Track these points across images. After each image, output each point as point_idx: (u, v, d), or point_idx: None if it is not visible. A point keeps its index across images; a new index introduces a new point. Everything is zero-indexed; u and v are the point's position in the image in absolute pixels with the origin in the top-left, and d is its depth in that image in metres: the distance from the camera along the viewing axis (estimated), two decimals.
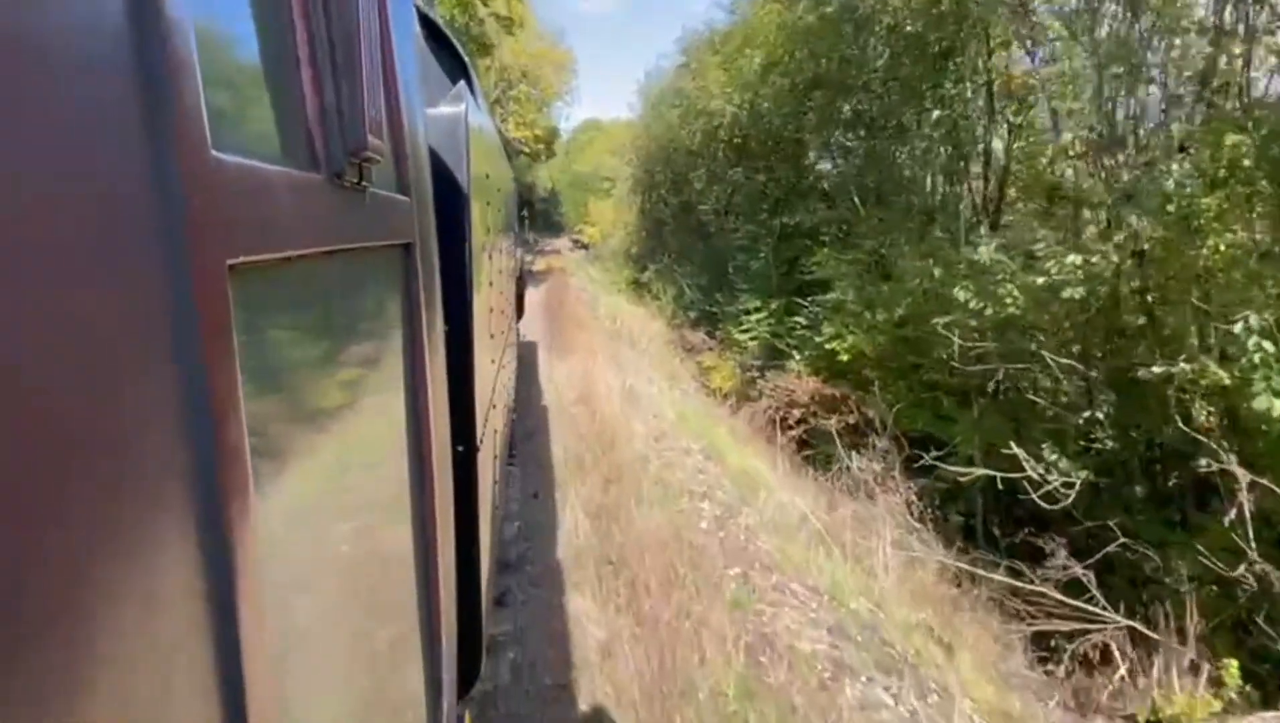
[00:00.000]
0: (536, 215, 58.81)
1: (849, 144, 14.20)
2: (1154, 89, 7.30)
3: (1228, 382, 5.31)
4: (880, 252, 11.14)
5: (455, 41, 2.97)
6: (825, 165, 15.53)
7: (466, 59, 3.04)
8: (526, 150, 32.25)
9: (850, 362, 10.57)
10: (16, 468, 0.30)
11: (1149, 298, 6.92)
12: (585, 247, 55.26)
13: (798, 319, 12.71)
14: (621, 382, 10.27)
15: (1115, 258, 6.62)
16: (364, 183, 0.85)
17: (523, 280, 9.58)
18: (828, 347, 10.81)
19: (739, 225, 17.28)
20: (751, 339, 15.07)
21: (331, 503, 0.83)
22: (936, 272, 8.90)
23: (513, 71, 30.34)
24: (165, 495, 0.42)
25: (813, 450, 11.44)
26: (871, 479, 9.11)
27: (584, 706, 3.67)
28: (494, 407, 2.85)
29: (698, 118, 18.70)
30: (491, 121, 4.28)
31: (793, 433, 11.85)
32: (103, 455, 0.36)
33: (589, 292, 24.91)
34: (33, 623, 0.30)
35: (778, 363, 13.31)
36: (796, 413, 11.54)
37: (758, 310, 15.13)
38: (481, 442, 2.13)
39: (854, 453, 8.98)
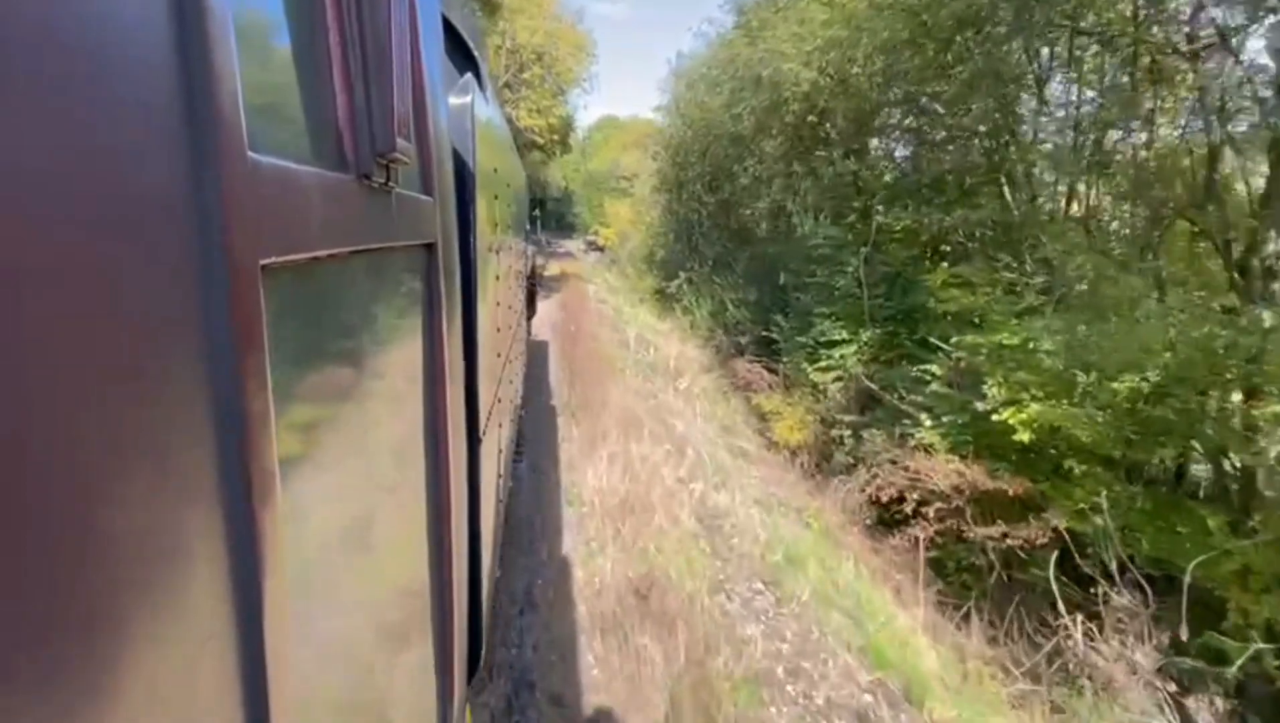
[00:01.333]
0: (549, 215, 55.19)
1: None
2: None
3: None
4: (1078, 274, 7.26)
5: (463, 32, 2.79)
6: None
7: (475, 49, 2.89)
8: (540, 143, 28.59)
9: (1034, 442, 6.75)
10: (53, 463, 0.31)
11: None
12: (601, 249, 51.66)
13: (927, 368, 8.73)
14: (684, 473, 6.54)
15: None
16: (391, 184, 0.86)
17: (534, 278, 8.71)
18: (993, 416, 6.96)
19: (804, 227, 13.35)
20: (835, 380, 11.30)
21: (354, 495, 0.84)
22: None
23: (526, 52, 26.74)
24: (198, 488, 0.43)
25: (943, 558, 7.63)
26: (1113, 665, 5.34)
27: None
28: (499, 401, 2.77)
29: (757, 92, 14.85)
30: (501, 114, 3.96)
31: (913, 532, 7.96)
32: (137, 450, 0.37)
33: (610, 305, 21.18)
34: (68, 617, 0.31)
35: (876, 419, 9.52)
36: (931, 509, 7.79)
37: (844, 342, 11.35)
38: (485, 434, 2.11)
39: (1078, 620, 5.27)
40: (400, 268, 1.03)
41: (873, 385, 9.86)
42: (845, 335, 11.31)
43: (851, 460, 9.77)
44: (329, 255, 0.68)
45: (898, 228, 10.59)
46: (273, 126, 0.60)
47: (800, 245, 13.22)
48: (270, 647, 0.49)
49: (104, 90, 0.35)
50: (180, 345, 0.42)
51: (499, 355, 2.84)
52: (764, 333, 14.60)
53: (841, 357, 11.22)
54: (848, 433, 10.31)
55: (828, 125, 13.45)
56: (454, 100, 1.87)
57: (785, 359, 13.05)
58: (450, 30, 2.63)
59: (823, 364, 11.51)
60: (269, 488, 0.49)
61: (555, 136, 31.93)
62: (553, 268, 28.34)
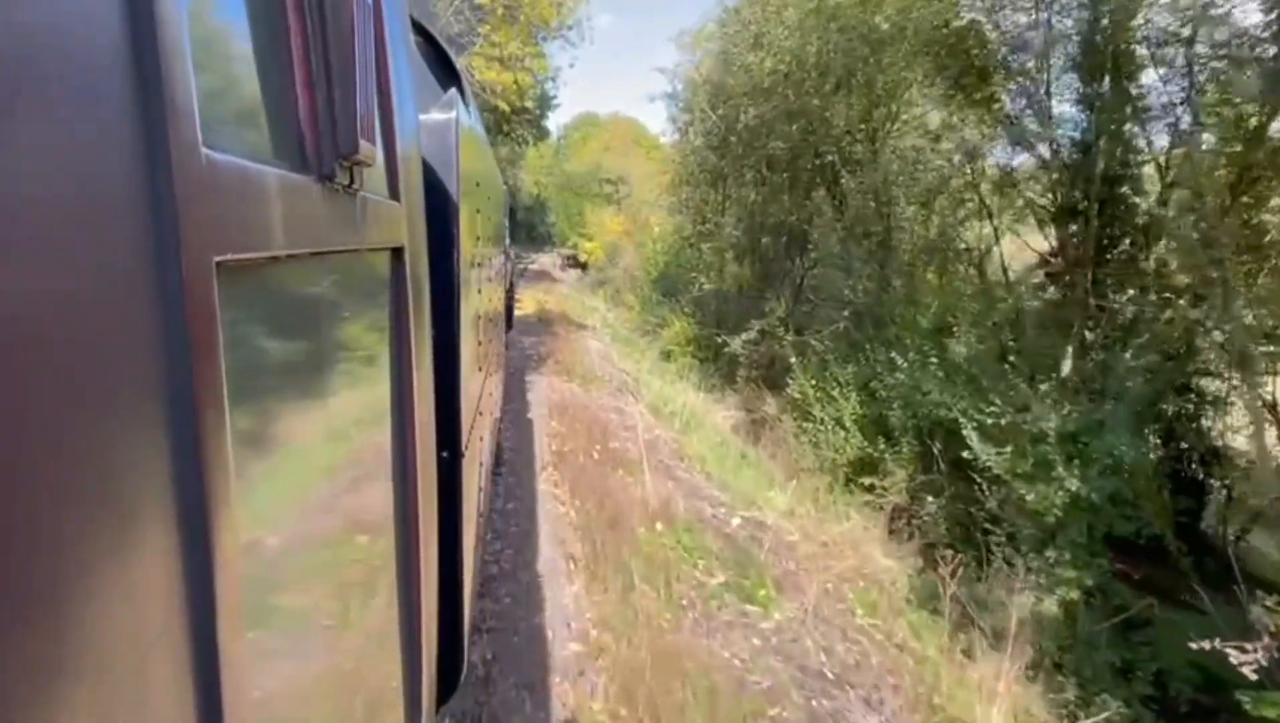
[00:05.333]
0: (518, 226, 45.92)
1: None
2: None
3: None
4: None
5: (446, 47, 2.92)
6: None
7: (457, 64, 2.98)
8: (504, 110, 18.94)
9: None
10: (2, 462, 0.30)
11: None
12: (582, 266, 42.04)
13: None
14: None
15: None
16: (355, 186, 0.85)
17: (511, 292, 8.50)
18: None
19: None
20: None
21: (314, 502, 0.82)
22: None
23: None
24: (147, 491, 0.42)
25: None
26: None
27: None
28: (480, 414, 2.77)
29: None
30: (484, 130, 4.09)
31: None
32: (86, 449, 0.36)
33: (628, 376, 11.90)
34: (11, 618, 0.30)
35: None
36: None
37: None
38: (466, 448, 2.08)
39: None
40: (365, 272, 1.02)
41: None
42: None
43: None
44: (289, 255, 0.67)
45: None
46: (230, 124, 0.60)
47: None
48: (223, 658, 0.48)
49: (53, 84, 0.34)
50: (131, 341, 0.41)
51: (480, 369, 2.80)
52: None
53: None
54: None
55: None
56: (439, 115, 1.89)
57: None
58: (435, 47, 2.77)
59: None
60: (223, 490, 0.48)
61: (527, 107, 21.98)
62: (524, 298, 18.72)
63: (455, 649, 1.92)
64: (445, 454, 1.79)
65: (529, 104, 22.28)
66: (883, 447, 9.33)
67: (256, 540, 0.59)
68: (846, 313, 10.96)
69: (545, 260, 41.72)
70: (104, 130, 0.38)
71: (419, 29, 2.47)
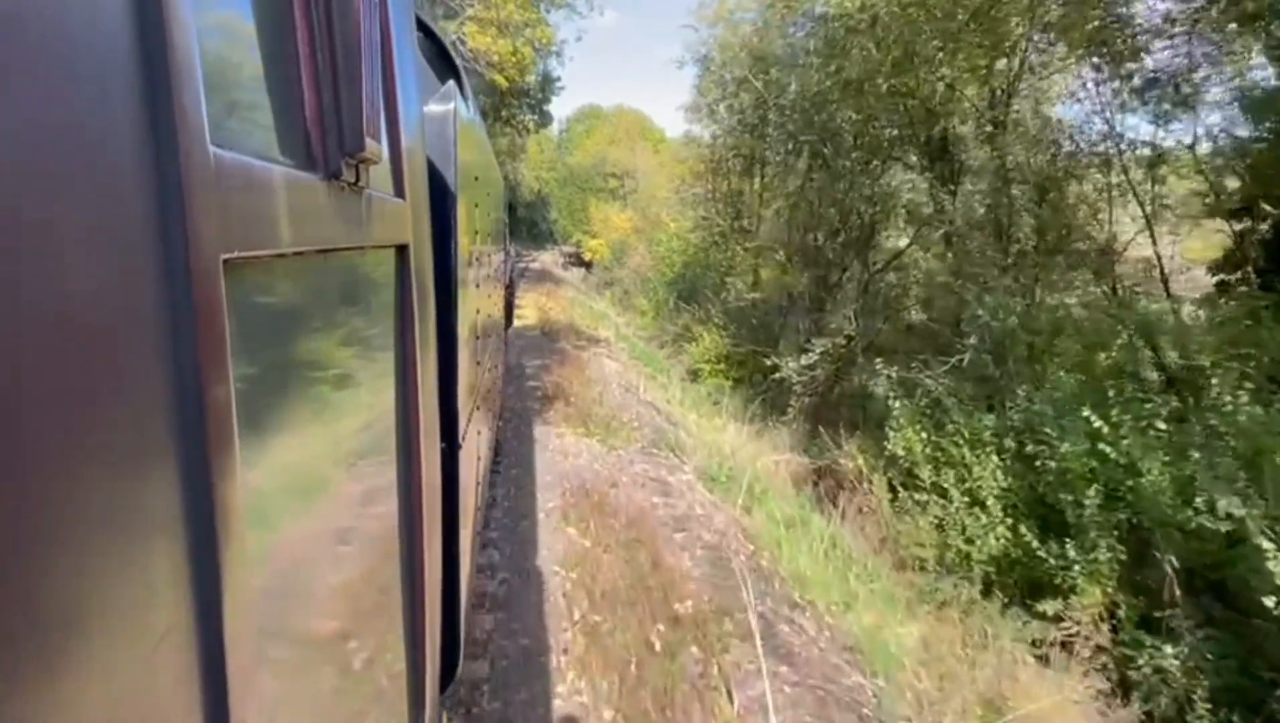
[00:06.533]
0: (519, 223, 43.39)
1: None
2: None
3: None
4: None
5: (444, 40, 2.87)
6: None
7: (455, 58, 2.91)
8: (501, 82, 16.05)
9: None
10: (7, 458, 0.30)
11: None
12: (586, 264, 39.65)
13: None
14: None
15: None
16: (360, 184, 0.85)
17: (512, 288, 7.86)
18: None
19: None
20: None
21: (320, 497, 0.82)
22: None
23: None
24: (154, 487, 0.42)
25: None
26: None
27: None
28: (478, 408, 2.74)
29: None
30: (482, 124, 3.99)
31: None
32: (94, 445, 0.36)
33: (659, 413, 9.10)
34: (16, 615, 0.30)
35: None
36: None
37: None
38: (464, 440, 2.08)
39: None
40: (371, 269, 1.02)
41: None
42: None
43: None
44: (296, 253, 0.67)
45: None
46: (237, 122, 0.60)
47: None
48: (230, 652, 0.48)
49: (61, 83, 0.34)
50: (139, 339, 0.41)
51: (478, 362, 2.77)
52: None
53: None
54: None
55: None
56: (436, 107, 1.85)
57: None
58: (434, 40, 2.72)
59: None
60: (230, 485, 0.48)
61: (527, 88, 19.22)
62: (526, 309, 15.79)
63: (452, 641, 1.87)
64: (442, 446, 1.74)
65: (529, 79, 19.34)
66: (1055, 549, 6.22)
67: (264, 535, 0.59)
68: (973, 340, 7.94)
69: (547, 259, 38.97)
70: (111, 129, 0.38)
71: (416, 21, 2.40)
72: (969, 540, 6.85)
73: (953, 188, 9.42)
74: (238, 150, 0.51)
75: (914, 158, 10.60)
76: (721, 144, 16.46)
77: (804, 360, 10.51)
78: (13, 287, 0.30)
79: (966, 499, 6.77)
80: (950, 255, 9.78)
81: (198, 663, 0.45)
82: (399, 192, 1.10)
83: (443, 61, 2.73)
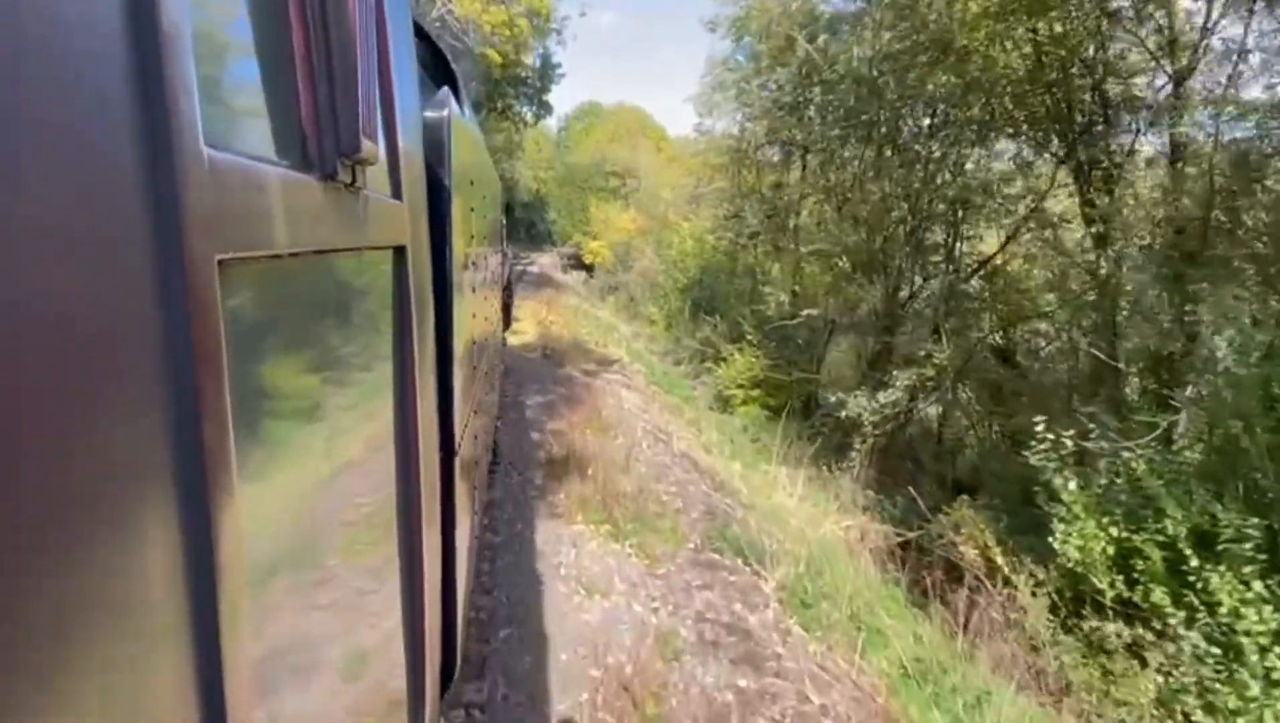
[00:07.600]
0: (517, 223, 41.26)
1: None
2: None
3: None
4: None
5: (439, 44, 2.84)
6: None
7: (451, 62, 2.93)
8: (495, 58, 13.68)
9: None
10: (3, 460, 0.30)
11: None
12: (587, 268, 37.46)
13: None
14: None
15: None
16: (358, 185, 0.84)
17: (510, 290, 7.44)
18: None
19: None
20: None
21: (318, 499, 0.81)
22: None
23: None
24: (150, 489, 0.42)
25: None
26: None
27: None
28: (475, 412, 2.72)
29: None
30: (478, 128, 3.96)
31: None
32: (88, 448, 0.36)
33: (703, 474, 6.63)
34: (14, 615, 0.30)
35: None
36: None
37: None
38: (460, 446, 2.05)
39: None
40: (368, 271, 1.01)
41: None
42: None
43: None
44: (291, 254, 0.66)
45: None
46: (232, 123, 0.59)
47: None
48: (227, 654, 0.47)
49: (55, 84, 0.34)
50: (134, 340, 0.41)
51: (475, 366, 2.75)
52: None
53: None
54: None
55: None
56: (432, 112, 1.85)
57: None
58: (429, 44, 2.66)
59: None
60: (226, 488, 0.48)
61: (525, 75, 17.05)
62: (524, 321, 13.28)
63: (449, 647, 1.85)
64: (441, 447, 1.73)
65: (527, 60, 17.04)
66: None
67: (260, 538, 0.58)
68: (1191, 391, 5.48)
69: (545, 261, 36.51)
70: (106, 130, 0.38)
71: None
72: (1212, 709, 4.42)
73: (1113, 171, 7.08)
74: (232, 150, 0.51)
75: (1049, 137, 8.15)
76: (751, 131, 14.07)
77: (884, 396, 8.16)
78: (4, 288, 0.30)
79: (1211, 655, 4.35)
80: (1103, 261, 7.39)
81: (195, 665, 0.45)
82: (396, 193, 1.10)
83: (437, 64, 2.71)
